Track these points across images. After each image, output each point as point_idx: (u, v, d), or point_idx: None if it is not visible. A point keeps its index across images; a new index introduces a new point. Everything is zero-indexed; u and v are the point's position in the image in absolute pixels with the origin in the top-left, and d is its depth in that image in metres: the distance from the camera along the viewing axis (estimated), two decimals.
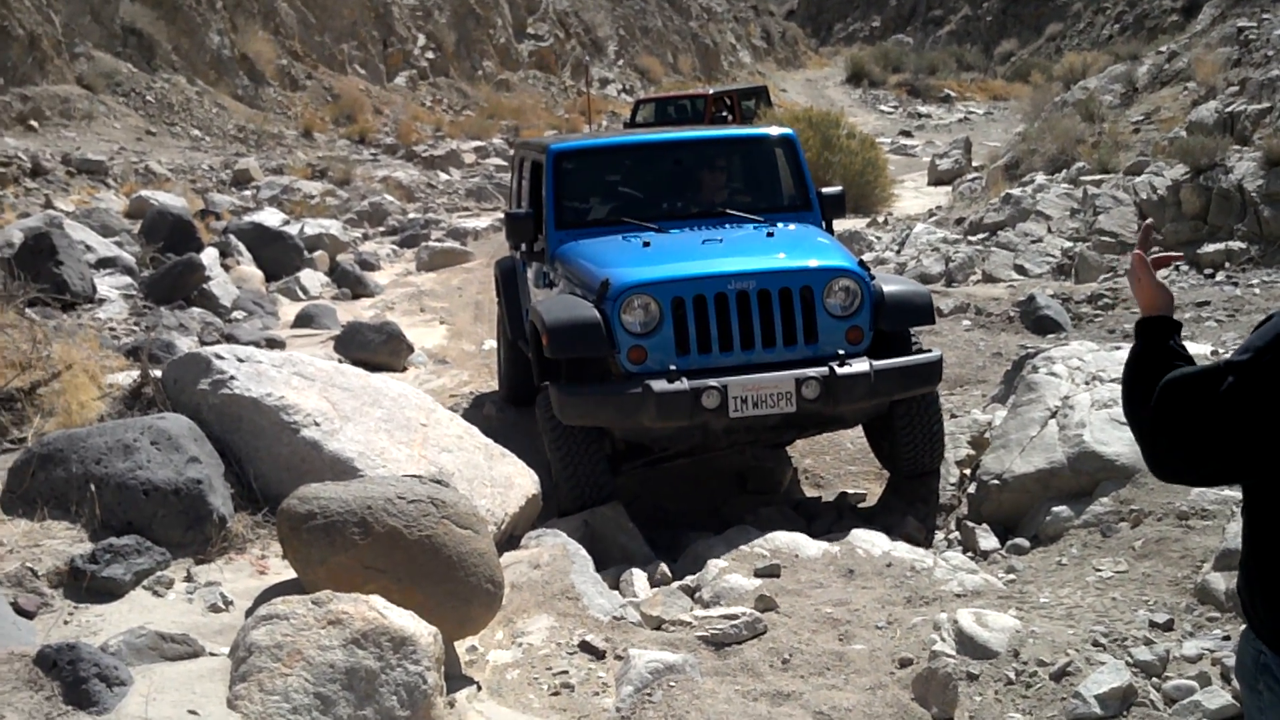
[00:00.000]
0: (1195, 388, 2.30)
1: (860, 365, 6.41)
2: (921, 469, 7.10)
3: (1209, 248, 12.12)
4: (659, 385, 6.23)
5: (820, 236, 7.44)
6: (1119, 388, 6.40)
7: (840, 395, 6.35)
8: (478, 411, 9.08)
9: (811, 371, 6.36)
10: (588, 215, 7.87)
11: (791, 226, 7.54)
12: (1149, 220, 2.69)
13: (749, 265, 6.63)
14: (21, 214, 14.83)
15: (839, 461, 7.99)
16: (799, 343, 6.56)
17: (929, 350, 6.97)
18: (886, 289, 6.77)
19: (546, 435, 6.78)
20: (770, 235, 7.23)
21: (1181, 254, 2.40)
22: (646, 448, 6.91)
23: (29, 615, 4.66)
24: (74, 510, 5.31)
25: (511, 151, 28.02)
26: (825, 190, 7.96)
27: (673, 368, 6.38)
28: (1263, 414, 2.20)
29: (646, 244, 7.13)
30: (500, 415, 8.95)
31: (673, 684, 4.60)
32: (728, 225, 7.53)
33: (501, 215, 21.60)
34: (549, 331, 6.52)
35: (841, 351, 6.51)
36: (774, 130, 8.50)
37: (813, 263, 6.73)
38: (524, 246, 8.07)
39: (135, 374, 6.68)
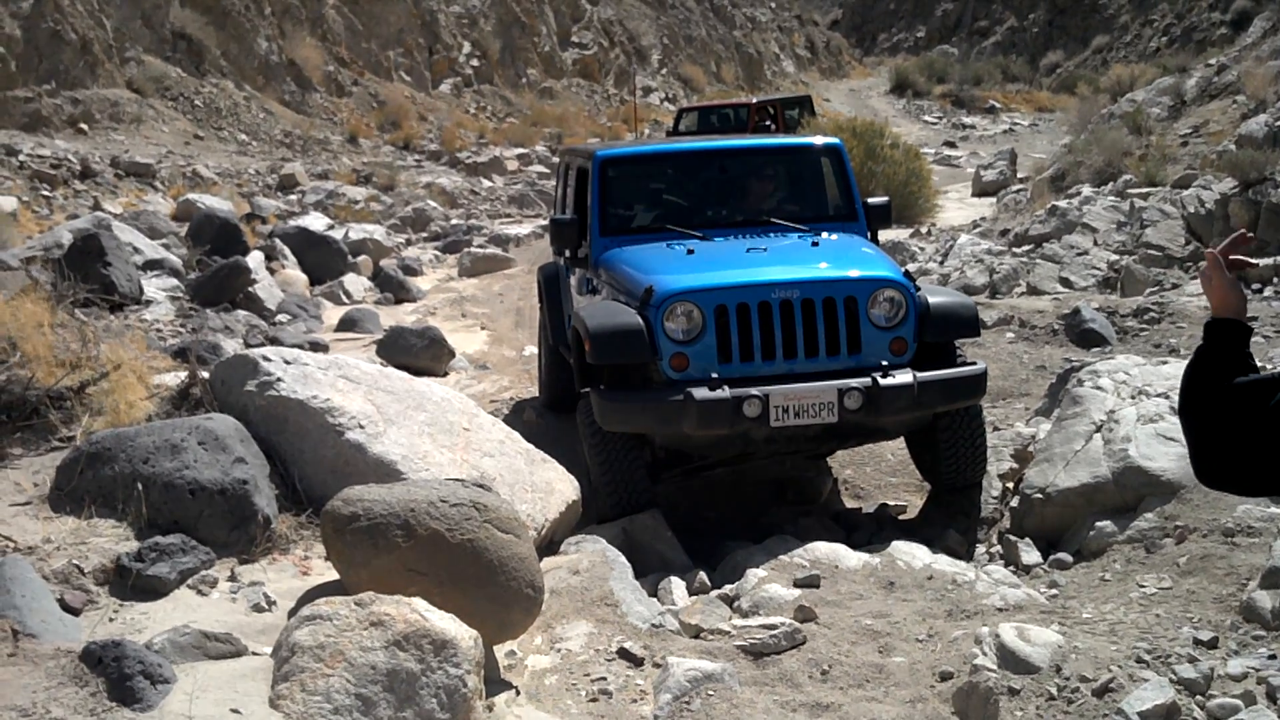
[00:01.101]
0: (1247, 398, 2.27)
1: (904, 376, 6.35)
2: (963, 482, 7.05)
3: (1258, 262, 11.98)
4: (700, 393, 6.19)
5: (865, 247, 7.39)
6: (1165, 402, 6.41)
7: (883, 406, 6.30)
8: (518, 417, 9.10)
9: (854, 382, 6.30)
10: (632, 222, 7.87)
11: (836, 236, 7.50)
12: (1246, 232, 2.66)
13: (793, 274, 6.59)
14: (71, 215, 15.05)
15: (879, 473, 7.95)
16: (842, 353, 6.50)
17: (973, 362, 6.92)
18: (931, 300, 6.72)
19: (586, 442, 6.78)
20: (815, 245, 7.20)
21: (1257, 262, 2.36)
22: (686, 456, 6.88)
23: (75, 612, 4.71)
24: (121, 509, 5.37)
25: (555, 159, 28.03)
26: (871, 200, 7.92)
27: (715, 375, 6.34)
28: None
29: (690, 251, 7.12)
30: (541, 421, 8.98)
31: (711, 693, 4.60)
32: (772, 234, 7.49)
33: (543, 222, 21.69)
34: (591, 338, 6.51)
35: (885, 362, 6.46)
36: (820, 140, 8.47)
37: (857, 273, 6.69)
38: (568, 252, 8.09)
39: (182, 374, 6.75)
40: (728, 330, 6.46)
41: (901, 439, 7.51)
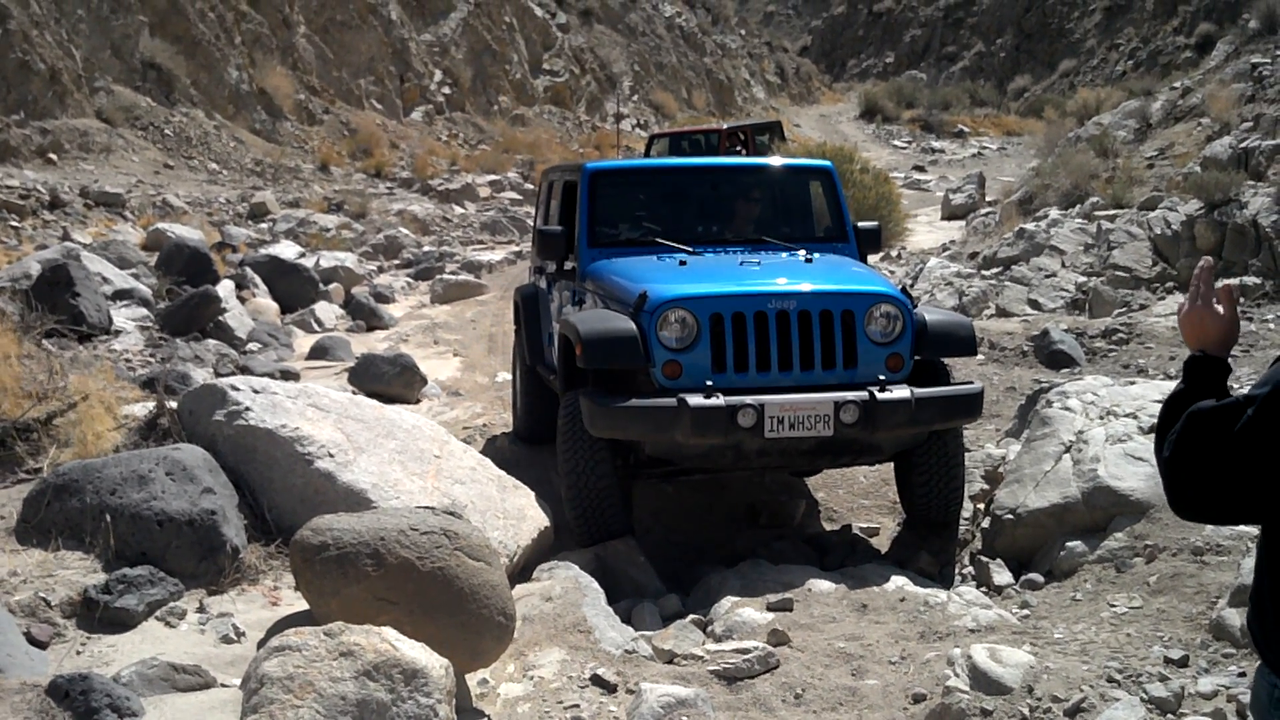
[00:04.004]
0: (1213, 422, 2.25)
1: (901, 392, 6.24)
2: (938, 517, 6.94)
3: (1224, 283, 12.09)
4: (695, 400, 6.06)
5: (857, 266, 7.33)
6: (1133, 422, 6.45)
7: (879, 421, 6.18)
8: (491, 445, 9.07)
9: (851, 395, 6.17)
10: (620, 236, 7.75)
11: (829, 256, 7.41)
12: (1208, 260, 2.65)
13: (790, 285, 6.49)
14: (39, 246, 14.94)
15: (852, 495, 7.96)
16: (838, 367, 6.38)
17: (970, 382, 6.88)
18: (929, 318, 6.65)
19: (562, 455, 6.58)
20: (809, 261, 7.12)
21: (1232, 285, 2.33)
22: (670, 462, 6.69)
23: (42, 645, 4.67)
24: (88, 540, 5.33)
25: (528, 186, 27.87)
26: (862, 224, 7.90)
27: (709, 384, 6.21)
28: None
29: (683, 263, 7.03)
30: (513, 448, 8.94)
31: (685, 718, 4.58)
32: (764, 251, 7.40)
33: (516, 249, 21.69)
34: (583, 341, 6.33)
35: (882, 377, 6.35)
36: (813, 161, 8.45)
37: (855, 287, 6.60)
38: (551, 267, 8.00)
39: (151, 405, 6.72)
40: (722, 339, 6.33)
41: (890, 467, 7.41)
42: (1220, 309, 2.54)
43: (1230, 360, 2.54)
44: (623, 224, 7.89)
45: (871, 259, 8.07)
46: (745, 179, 8.36)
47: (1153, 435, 6.27)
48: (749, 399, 6.10)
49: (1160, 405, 2.47)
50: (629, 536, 6.65)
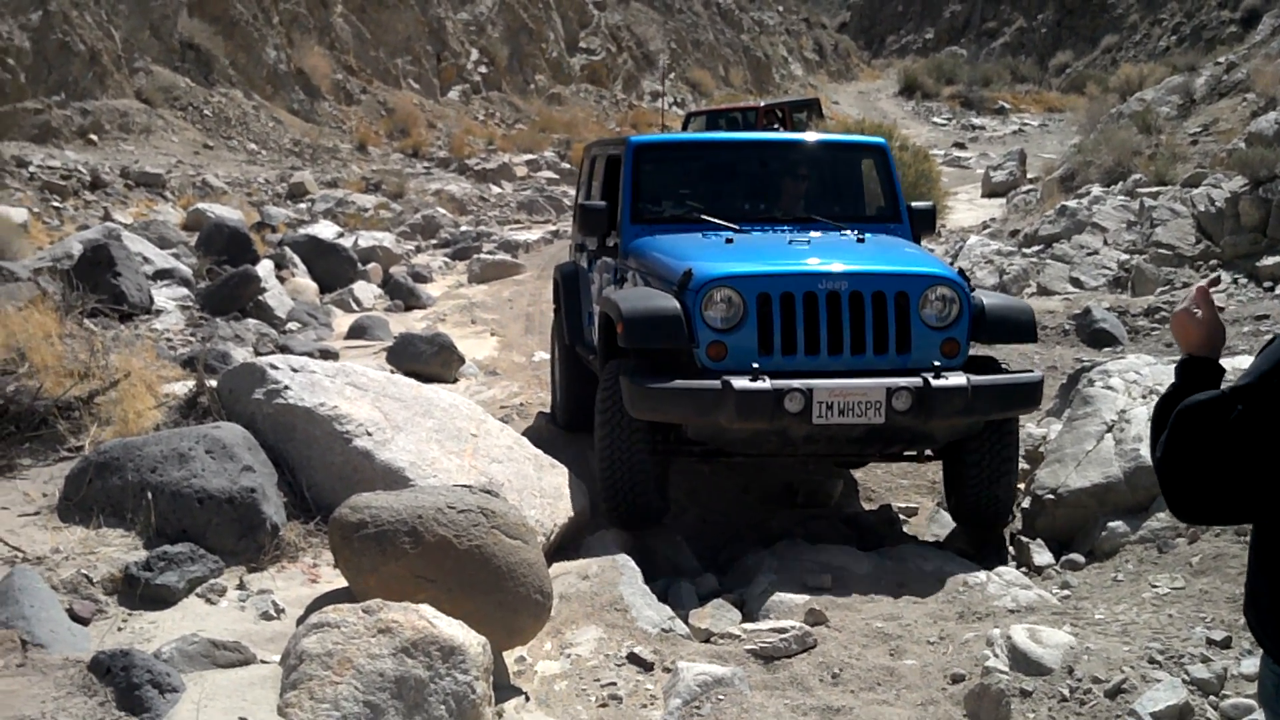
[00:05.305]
0: (1201, 417, 2.19)
1: (957, 379, 5.93)
2: (987, 516, 6.60)
3: (1268, 260, 11.94)
4: (740, 383, 5.79)
5: (910, 247, 7.07)
6: None
7: (933, 409, 5.87)
8: (527, 423, 9.08)
9: (904, 381, 5.88)
10: (664, 213, 7.53)
11: (881, 236, 7.17)
12: (1219, 275, 2.60)
13: (841, 265, 6.21)
14: (81, 226, 15.08)
15: (890, 475, 7.92)
16: (890, 351, 6.08)
17: (1029, 369, 6.68)
18: (987, 302, 6.38)
19: (600, 439, 6.36)
20: (861, 241, 6.90)
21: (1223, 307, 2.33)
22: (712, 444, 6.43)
23: (84, 621, 4.71)
24: (129, 518, 5.38)
25: (564, 165, 27.74)
26: (916, 204, 7.63)
27: (755, 366, 5.96)
28: (1273, 440, 2.11)
29: (729, 241, 6.82)
30: (550, 427, 8.94)
31: (721, 697, 4.58)
32: (814, 230, 7.16)
33: (553, 228, 21.69)
34: (625, 320, 6.10)
35: (937, 363, 6.07)
36: (865, 138, 8.26)
37: (909, 268, 6.32)
38: (592, 244, 7.80)
39: (191, 384, 6.76)
40: (770, 320, 6.05)
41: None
42: (1198, 312, 2.49)
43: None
44: (667, 200, 7.68)
45: None
46: (795, 155, 8.10)
47: None
48: (796, 383, 5.84)
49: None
50: (666, 516, 6.60)
